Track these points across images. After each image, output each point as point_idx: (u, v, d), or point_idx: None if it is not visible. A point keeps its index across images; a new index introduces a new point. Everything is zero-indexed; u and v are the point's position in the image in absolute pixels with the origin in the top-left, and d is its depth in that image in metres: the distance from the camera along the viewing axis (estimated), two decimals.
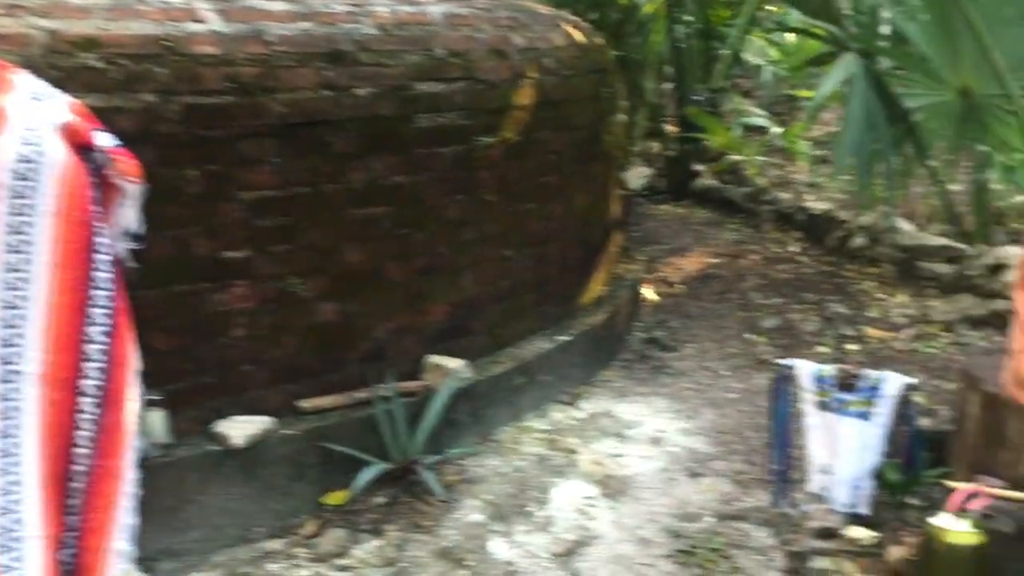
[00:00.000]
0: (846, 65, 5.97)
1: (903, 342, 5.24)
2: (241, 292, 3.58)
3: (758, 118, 8.23)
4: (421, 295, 4.05)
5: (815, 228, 7.19)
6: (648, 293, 6.14)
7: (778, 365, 3.61)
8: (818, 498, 3.62)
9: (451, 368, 4.01)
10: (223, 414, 3.59)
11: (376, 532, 3.55)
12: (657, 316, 5.82)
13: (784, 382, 3.58)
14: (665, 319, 5.77)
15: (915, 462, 3.49)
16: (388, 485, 3.76)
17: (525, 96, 4.35)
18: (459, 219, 4.14)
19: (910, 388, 3.41)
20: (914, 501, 3.58)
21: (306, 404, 3.73)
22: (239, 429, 3.50)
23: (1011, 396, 3.23)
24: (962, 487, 3.15)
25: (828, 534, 3.50)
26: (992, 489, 3.13)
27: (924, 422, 4.15)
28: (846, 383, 3.45)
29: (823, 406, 3.52)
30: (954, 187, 8.25)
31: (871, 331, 5.38)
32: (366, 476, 3.63)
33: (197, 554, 3.41)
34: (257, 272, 3.59)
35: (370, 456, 3.70)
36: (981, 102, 5.89)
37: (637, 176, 9.02)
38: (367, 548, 3.46)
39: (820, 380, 3.51)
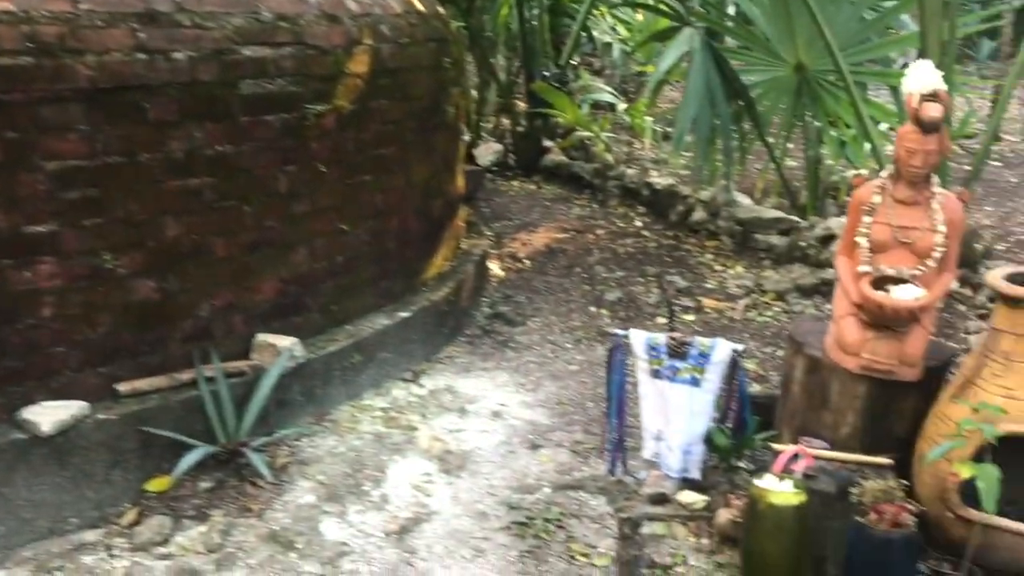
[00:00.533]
0: (685, 39, 6.09)
1: (739, 312, 5.38)
2: (48, 269, 3.33)
3: (605, 94, 8.30)
4: (249, 271, 3.88)
5: (659, 203, 7.32)
6: (496, 268, 6.11)
7: (613, 335, 3.62)
8: (652, 465, 3.68)
9: (282, 347, 3.87)
10: (31, 400, 3.35)
11: (201, 518, 3.38)
12: (504, 291, 5.79)
13: (618, 352, 3.60)
14: (512, 294, 5.75)
15: (745, 426, 3.57)
16: (215, 469, 3.59)
17: (360, 63, 4.21)
18: (289, 191, 3.98)
19: (738, 354, 3.48)
20: (744, 465, 3.68)
21: (124, 387, 3.51)
22: (48, 415, 3.26)
23: (832, 359, 3.34)
24: (786, 449, 3.24)
25: (661, 500, 3.55)
26: (815, 450, 3.24)
27: (755, 388, 4.29)
28: (677, 351, 3.50)
29: (656, 374, 3.56)
30: (790, 162, 8.61)
31: (708, 302, 5.51)
32: (189, 460, 3.46)
33: (2, 549, 3.17)
34: (65, 248, 3.35)
35: (195, 440, 3.53)
36: (813, 77, 6.12)
37: (488, 152, 8.98)
38: (190, 535, 3.29)
39: (652, 348, 3.55)
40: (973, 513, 2.96)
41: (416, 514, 3.50)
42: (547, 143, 8.89)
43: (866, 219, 3.29)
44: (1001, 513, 3.15)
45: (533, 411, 4.33)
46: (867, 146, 6.39)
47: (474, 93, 9.07)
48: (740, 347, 3.47)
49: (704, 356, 3.49)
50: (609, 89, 8.45)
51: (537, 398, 4.45)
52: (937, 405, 3.17)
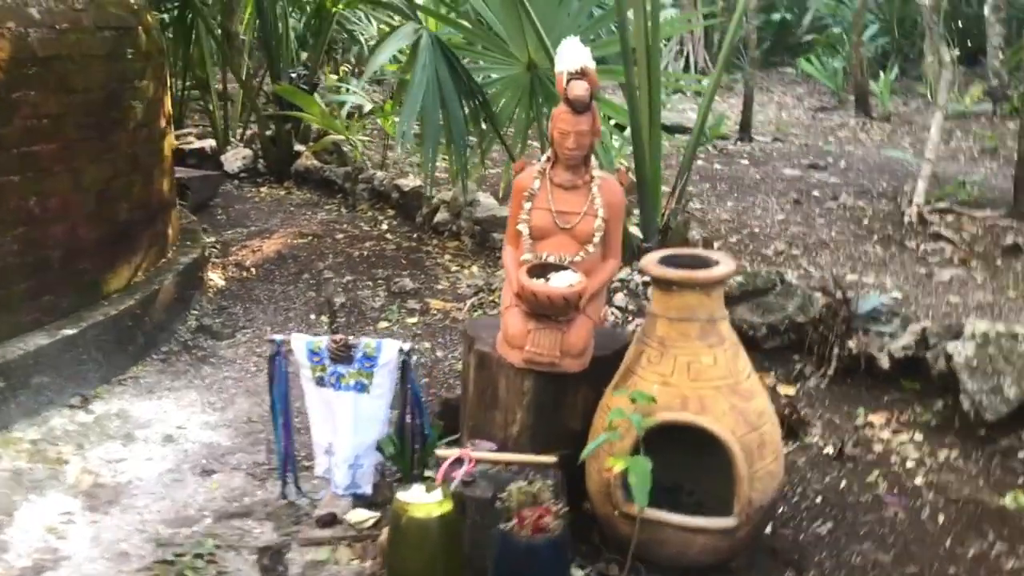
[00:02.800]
0: (405, 34, 5.82)
1: (464, 312, 5.16)
2: None
3: (353, 95, 7.97)
4: None
5: (406, 205, 7.06)
6: (216, 277, 5.65)
7: (271, 341, 3.27)
8: (326, 482, 3.35)
9: None
10: None
11: None
12: (220, 302, 5.34)
13: (279, 359, 3.25)
14: (227, 304, 5.31)
15: (423, 432, 3.30)
16: None
17: None
18: None
19: (407, 355, 3.21)
20: (429, 473, 3.40)
21: None
22: None
23: (500, 354, 3.12)
24: (448, 454, 2.98)
25: (330, 521, 3.23)
26: (478, 453, 3.00)
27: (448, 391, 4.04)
28: (340, 355, 3.18)
29: (320, 381, 3.23)
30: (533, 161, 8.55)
31: (435, 303, 5.26)
32: None
33: None
34: None
35: None
36: (545, 75, 6.01)
37: (236, 158, 8.48)
38: None
39: (314, 354, 3.22)
40: (633, 508, 2.79)
41: (38, 562, 3.01)
42: (299, 147, 8.48)
43: (526, 205, 3.09)
44: (673, 502, 3.02)
45: (215, 432, 3.91)
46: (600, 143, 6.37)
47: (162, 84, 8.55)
48: (407, 346, 3.20)
49: (370, 359, 3.19)
50: (357, 90, 8.13)
51: (224, 417, 4.04)
52: (603, 397, 3.00)
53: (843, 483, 3.56)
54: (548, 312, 2.95)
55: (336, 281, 5.51)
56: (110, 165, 4.48)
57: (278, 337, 3.25)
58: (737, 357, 2.87)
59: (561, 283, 2.94)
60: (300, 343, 3.22)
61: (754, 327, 4.54)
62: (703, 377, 2.79)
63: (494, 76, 6.25)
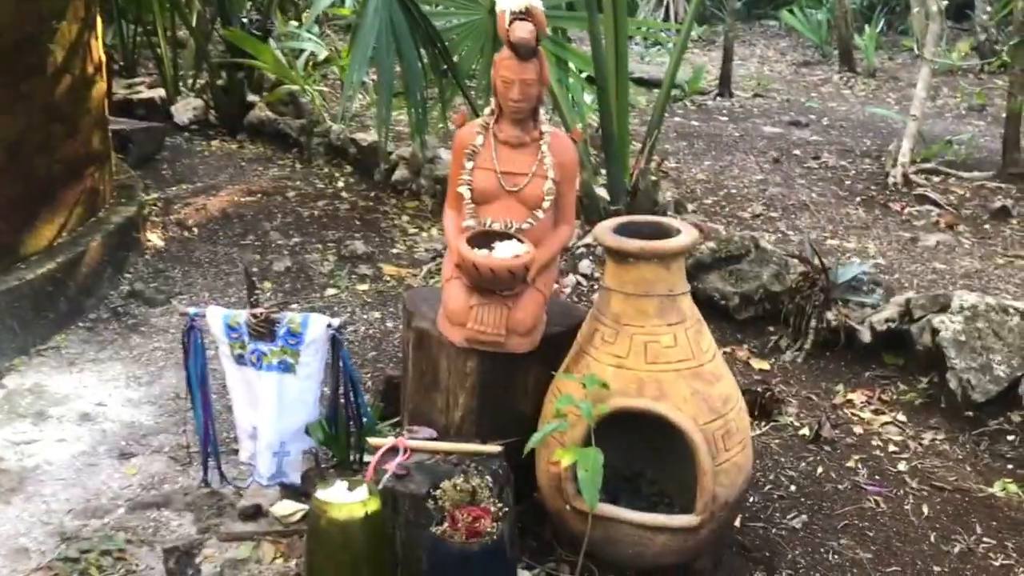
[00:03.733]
0: None
1: (419, 278, 4.82)
2: None
3: (308, 42, 7.53)
4: None
5: (364, 162, 6.66)
6: (154, 238, 5.27)
7: (185, 314, 2.92)
8: (253, 468, 3.02)
9: None
10: None
11: None
12: (157, 264, 4.96)
13: (194, 334, 2.91)
14: (165, 268, 4.93)
15: (359, 415, 2.98)
16: None
17: None
18: None
19: (337, 330, 2.86)
20: (368, 459, 3.09)
21: None
22: None
23: (441, 331, 2.79)
24: (380, 443, 2.67)
25: (255, 513, 2.92)
26: (416, 442, 2.69)
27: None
28: (260, 331, 2.84)
29: (240, 359, 2.89)
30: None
31: (389, 269, 4.91)
32: None
33: None
34: None
35: None
36: None
37: (186, 109, 8.02)
38: None
39: (232, 329, 2.87)
40: (584, 504, 2.49)
41: None
42: (253, 98, 8.03)
43: (468, 165, 2.74)
44: (633, 493, 2.73)
45: (137, 410, 3.58)
46: (570, 98, 6.01)
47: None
48: (337, 321, 2.86)
49: (295, 336, 2.85)
50: (313, 37, 7.67)
51: (149, 393, 3.70)
52: (554, 379, 2.69)
53: (820, 469, 3.28)
54: (492, 286, 2.61)
55: (282, 244, 5.13)
56: (23, 116, 4.08)
57: (192, 310, 2.89)
58: (700, 336, 2.55)
59: (506, 253, 2.60)
60: (216, 316, 2.88)
61: (726, 297, 4.24)
62: (662, 359, 2.48)
63: (455, 21, 5.86)
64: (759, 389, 3.63)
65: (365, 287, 4.71)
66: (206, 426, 2.98)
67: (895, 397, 3.75)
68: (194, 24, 7.92)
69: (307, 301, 4.55)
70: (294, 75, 7.39)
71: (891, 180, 6.57)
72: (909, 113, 6.80)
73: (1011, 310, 3.60)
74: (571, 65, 5.91)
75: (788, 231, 5.70)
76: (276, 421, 2.87)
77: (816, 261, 4.06)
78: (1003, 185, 6.49)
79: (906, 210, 6.12)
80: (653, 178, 4.78)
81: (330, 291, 4.67)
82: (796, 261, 4.24)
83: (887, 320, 3.91)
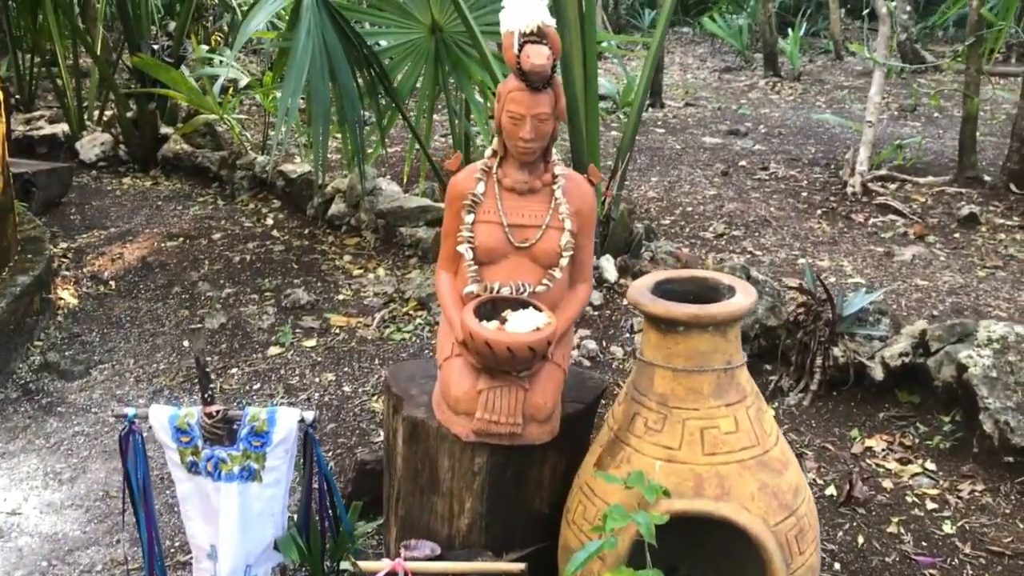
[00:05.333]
0: None
1: (373, 328, 4.32)
2: None
3: (226, 68, 6.94)
4: None
5: (295, 195, 6.12)
6: (66, 296, 4.65)
7: (122, 416, 2.38)
8: None
9: None
10: None
11: None
12: (71, 328, 4.36)
13: (134, 438, 2.38)
14: (80, 332, 4.33)
15: (335, 522, 2.49)
16: None
17: None
18: None
19: (310, 425, 2.37)
20: (351, 567, 2.59)
21: None
22: None
23: (441, 422, 2.31)
24: (375, 568, 2.18)
25: None
26: (416, 563, 2.21)
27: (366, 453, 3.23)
28: (217, 433, 2.32)
29: (193, 468, 2.37)
30: (439, 140, 7.70)
31: (336, 319, 4.40)
32: None
33: None
34: None
35: None
36: (451, 39, 5.18)
37: (94, 144, 7.36)
38: None
39: (182, 432, 2.35)
40: None
41: None
42: (167, 130, 7.40)
43: (468, 218, 2.28)
44: None
45: (60, 517, 3.00)
46: None
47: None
48: (310, 415, 2.36)
49: (261, 436, 2.34)
50: (230, 61, 7.08)
51: (73, 493, 3.13)
52: (580, 473, 2.24)
53: (860, 539, 2.90)
54: (508, 367, 2.16)
55: (207, 324, 4.53)
56: None
57: (129, 411, 2.36)
58: (762, 415, 2.14)
59: (523, 326, 2.15)
60: (161, 418, 2.35)
61: None
62: (722, 448, 2.05)
63: (392, 42, 5.39)
64: None
65: (312, 343, 4.18)
66: (150, 544, 2.44)
67: (917, 441, 3.41)
68: (97, 51, 7.26)
69: (248, 364, 4.01)
70: (211, 103, 6.79)
71: (850, 189, 6.32)
72: (854, 118, 6.57)
73: None
74: None
75: (756, 250, 5.38)
76: (240, 539, 2.36)
77: (820, 292, 3.71)
78: (963, 190, 6.31)
79: (870, 221, 5.87)
80: (627, 205, 4.38)
81: (273, 350, 4.14)
82: (792, 291, 3.89)
83: (901, 354, 3.58)
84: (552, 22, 2.17)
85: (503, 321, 2.18)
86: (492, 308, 2.21)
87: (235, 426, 2.33)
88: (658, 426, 2.08)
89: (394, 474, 2.48)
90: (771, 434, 2.13)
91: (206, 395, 2.27)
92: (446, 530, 2.34)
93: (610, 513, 1.91)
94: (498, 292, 2.25)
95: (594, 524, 2.06)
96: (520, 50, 2.12)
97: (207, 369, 2.27)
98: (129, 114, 7.25)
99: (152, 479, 2.49)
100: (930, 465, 3.27)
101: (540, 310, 2.20)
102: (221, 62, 7.27)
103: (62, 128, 7.60)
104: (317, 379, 3.85)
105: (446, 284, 2.34)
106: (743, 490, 2.03)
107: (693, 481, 2.04)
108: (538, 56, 2.11)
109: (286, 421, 2.34)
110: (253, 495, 2.36)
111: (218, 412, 2.29)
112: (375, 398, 3.65)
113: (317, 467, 2.40)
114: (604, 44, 7.57)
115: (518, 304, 2.22)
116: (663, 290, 2.15)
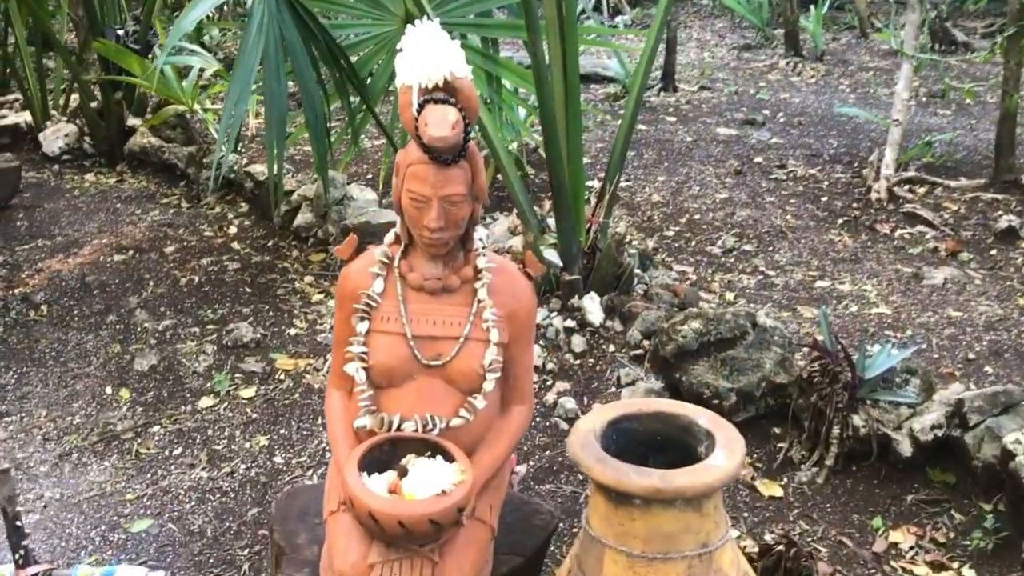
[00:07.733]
0: None
1: (323, 375, 3.78)
2: None
3: (193, 56, 6.36)
4: None
5: (264, 198, 5.56)
6: None
7: None
8: None
9: None
10: None
11: None
12: None
13: None
14: None
15: None
16: None
17: None
18: None
19: None
20: None
21: None
22: None
23: None
24: None
25: None
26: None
27: None
28: None
29: None
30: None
31: (283, 361, 3.86)
32: None
33: None
34: None
35: None
36: None
37: (57, 136, 6.83)
38: None
39: None
40: None
41: None
42: (134, 121, 6.85)
43: (360, 327, 1.72)
44: None
45: None
46: (503, 116, 5.02)
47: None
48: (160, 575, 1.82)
49: None
50: (199, 50, 6.50)
51: None
52: None
53: None
54: (405, 542, 1.60)
55: (150, 327, 4.00)
56: None
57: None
58: None
59: (427, 484, 1.59)
60: None
61: (720, 394, 3.30)
62: None
63: (362, 34, 4.81)
64: (781, 544, 2.69)
65: (251, 392, 3.65)
66: None
67: (953, 536, 2.85)
68: (64, 36, 6.71)
69: (173, 420, 3.49)
70: (178, 93, 6.23)
71: (874, 195, 5.70)
72: (891, 117, 5.94)
73: None
74: (505, 83, 4.91)
75: (769, 270, 4.80)
76: None
77: (839, 351, 3.13)
78: (999, 196, 5.66)
79: (896, 232, 5.27)
80: (618, 231, 3.80)
81: (205, 401, 3.61)
82: (805, 345, 3.32)
83: (933, 427, 3.01)
84: (465, 72, 1.58)
85: (403, 474, 1.62)
86: (391, 451, 1.65)
87: None
88: None
89: None
90: None
91: (16, 555, 1.74)
92: None
93: None
94: (399, 429, 1.69)
95: None
96: (420, 112, 1.54)
97: (18, 523, 1.74)
98: (94, 104, 6.71)
99: None
100: (969, 573, 2.71)
101: (452, 459, 1.64)
102: (192, 51, 6.69)
103: (25, 118, 7.09)
104: (248, 444, 3.32)
105: (336, 410, 1.79)
106: None
107: None
108: (440, 126, 1.53)
109: None
110: None
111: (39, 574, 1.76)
112: (309, 473, 3.12)
113: None
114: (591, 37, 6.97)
115: (425, 446, 1.66)
116: (619, 432, 1.59)
